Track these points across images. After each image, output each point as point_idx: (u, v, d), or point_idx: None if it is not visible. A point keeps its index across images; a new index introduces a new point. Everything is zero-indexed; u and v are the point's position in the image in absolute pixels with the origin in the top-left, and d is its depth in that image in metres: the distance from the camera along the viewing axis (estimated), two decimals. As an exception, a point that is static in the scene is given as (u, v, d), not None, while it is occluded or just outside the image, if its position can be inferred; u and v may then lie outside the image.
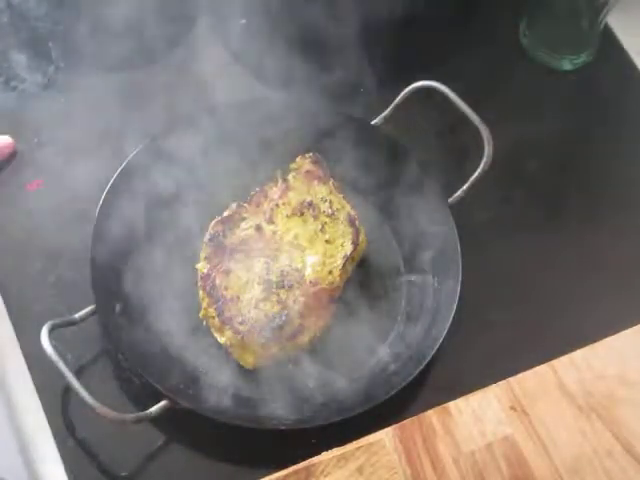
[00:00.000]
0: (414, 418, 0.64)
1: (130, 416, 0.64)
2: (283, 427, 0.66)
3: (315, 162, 0.76)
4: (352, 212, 0.75)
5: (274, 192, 0.75)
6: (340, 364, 0.71)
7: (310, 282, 0.71)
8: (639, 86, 0.90)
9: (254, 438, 0.65)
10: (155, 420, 0.65)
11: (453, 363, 0.71)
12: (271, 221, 0.73)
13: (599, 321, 0.71)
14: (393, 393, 0.67)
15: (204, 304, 0.71)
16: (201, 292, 0.71)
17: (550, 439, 0.65)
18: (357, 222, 0.74)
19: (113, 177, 0.73)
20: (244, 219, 0.74)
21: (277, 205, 0.74)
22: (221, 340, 0.70)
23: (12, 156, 0.78)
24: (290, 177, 0.76)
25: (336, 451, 0.62)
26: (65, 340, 0.69)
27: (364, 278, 0.75)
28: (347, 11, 0.88)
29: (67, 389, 0.66)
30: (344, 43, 0.87)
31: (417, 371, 0.68)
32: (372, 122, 0.80)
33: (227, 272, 0.71)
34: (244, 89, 0.84)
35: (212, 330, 0.70)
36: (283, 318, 0.69)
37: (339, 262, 0.72)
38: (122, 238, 0.72)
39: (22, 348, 0.70)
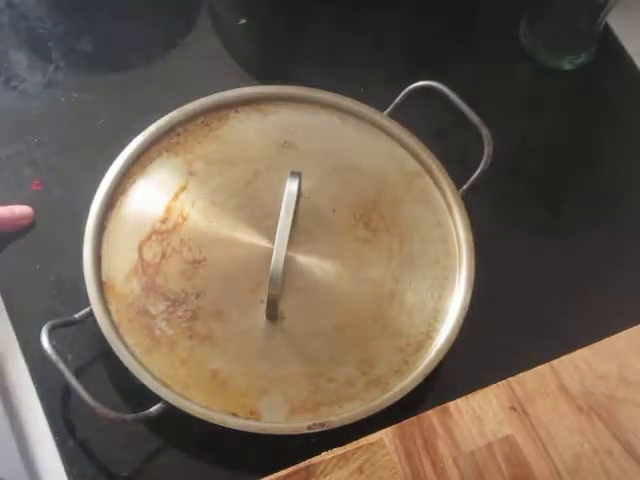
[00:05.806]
0: (414, 418, 0.64)
1: (130, 416, 0.64)
2: (283, 427, 0.66)
3: None
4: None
5: None
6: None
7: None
8: (639, 86, 0.90)
9: (254, 438, 0.65)
10: (155, 420, 0.65)
11: (453, 363, 0.71)
12: None
13: (599, 321, 0.71)
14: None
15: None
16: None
17: (550, 439, 0.64)
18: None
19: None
20: None
21: None
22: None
23: (30, 227, 0.74)
24: None
25: (336, 451, 0.62)
26: (65, 340, 0.69)
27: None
28: (347, 10, 0.88)
29: (67, 389, 0.66)
30: (343, 44, 0.87)
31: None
32: (372, 122, 0.80)
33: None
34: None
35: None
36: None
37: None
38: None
39: (22, 348, 0.69)
